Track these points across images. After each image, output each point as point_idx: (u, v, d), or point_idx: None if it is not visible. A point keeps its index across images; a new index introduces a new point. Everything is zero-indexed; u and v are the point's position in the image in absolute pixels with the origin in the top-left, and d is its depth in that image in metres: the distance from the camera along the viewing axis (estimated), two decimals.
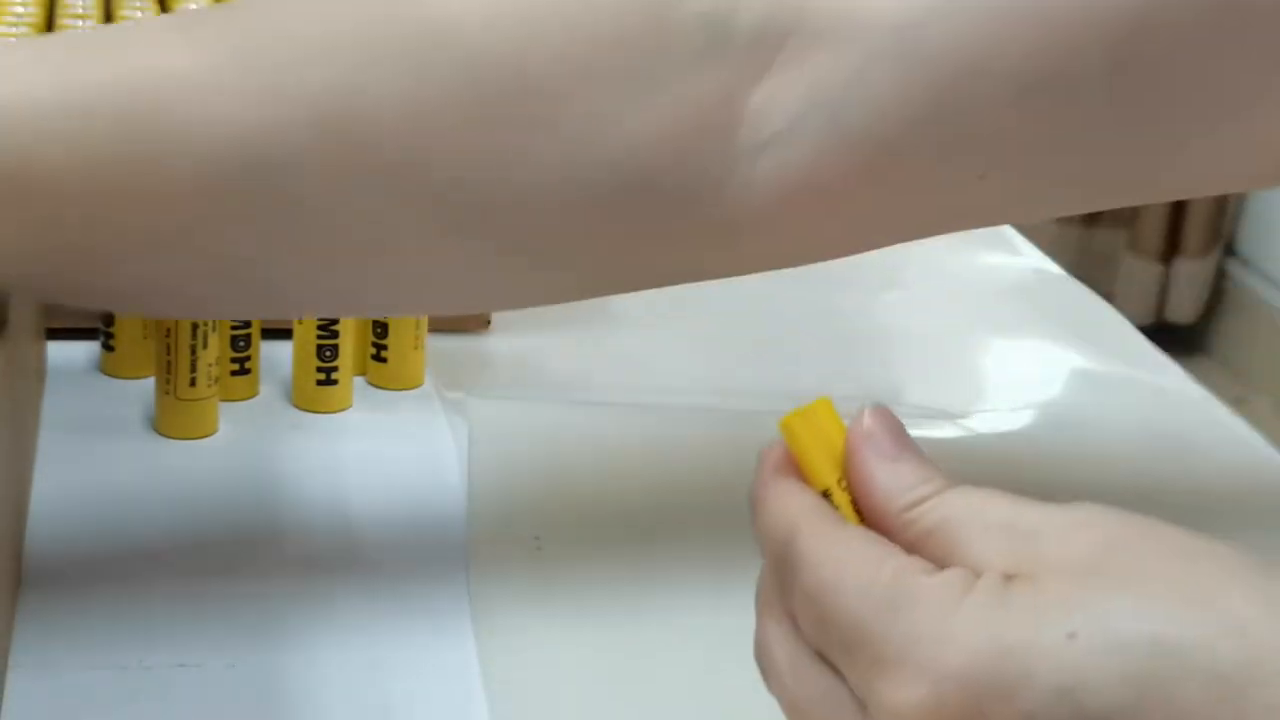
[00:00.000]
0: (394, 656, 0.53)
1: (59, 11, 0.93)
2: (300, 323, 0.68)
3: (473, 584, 0.57)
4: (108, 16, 0.94)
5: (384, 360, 0.71)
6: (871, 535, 0.41)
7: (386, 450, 0.67)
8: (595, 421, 0.69)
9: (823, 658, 0.40)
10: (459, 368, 0.74)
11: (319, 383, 0.69)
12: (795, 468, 0.43)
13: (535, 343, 0.78)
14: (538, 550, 0.59)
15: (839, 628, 0.39)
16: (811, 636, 0.40)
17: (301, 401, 0.69)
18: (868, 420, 0.42)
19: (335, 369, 0.68)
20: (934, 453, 0.42)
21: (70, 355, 0.71)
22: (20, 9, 0.91)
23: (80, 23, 0.90)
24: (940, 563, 0.39)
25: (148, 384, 0.67)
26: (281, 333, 0.70)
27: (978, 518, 0.40)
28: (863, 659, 0.39)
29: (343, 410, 0.69)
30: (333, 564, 0.58)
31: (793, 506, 0.42)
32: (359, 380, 0.71)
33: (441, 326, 0.75)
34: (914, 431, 0.42)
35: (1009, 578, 0.38)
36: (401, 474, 0.65)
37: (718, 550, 0.60)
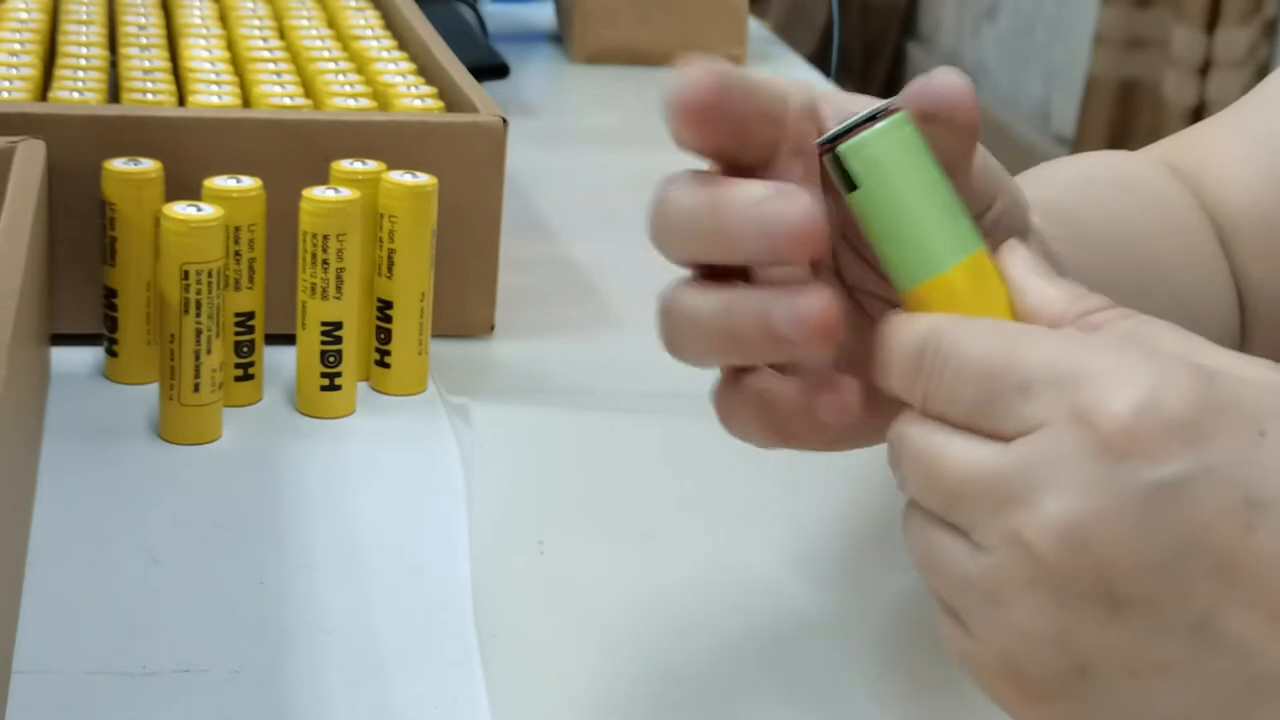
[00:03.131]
0: (397, 661, 0.53)
1: (62, 17, 0.93)
2: (304, 328, 0.68)
3: (476, 587, 0.57)
4: (111, 21, 0.94)
5: (388, 366, 0.71)
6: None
7: (390, 455, 0.67)
8: (598, 426, 0.69)
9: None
10: (462, 373, 0.74)
11: (323, 388, 0.69)
12: None
13: (538, 348, 0.78)
14: (540, 554, 0.59)
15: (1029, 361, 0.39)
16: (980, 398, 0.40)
17: (305, 407, 0.69)
18: (1018, 248, 0.44)
19: (339, 374, 0.68)
20: None
21: (74, 361, 0.72)
22: (24, 14, 0.91)
23: (84, 29, 0.90)
24: None
25: (151, 389, 0.68)
26: (285, 338, 0.70)
27: (1148, 343, 0.41)
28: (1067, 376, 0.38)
29: (346, 416, 0.69)
30: (336, 569, 0.58)
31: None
32: (363, 386, 0.71)
33: (445, 332, 0.76)
34: None
35: None
36: (405, 479, 0.65)
37: (719, 553, 0.60)
